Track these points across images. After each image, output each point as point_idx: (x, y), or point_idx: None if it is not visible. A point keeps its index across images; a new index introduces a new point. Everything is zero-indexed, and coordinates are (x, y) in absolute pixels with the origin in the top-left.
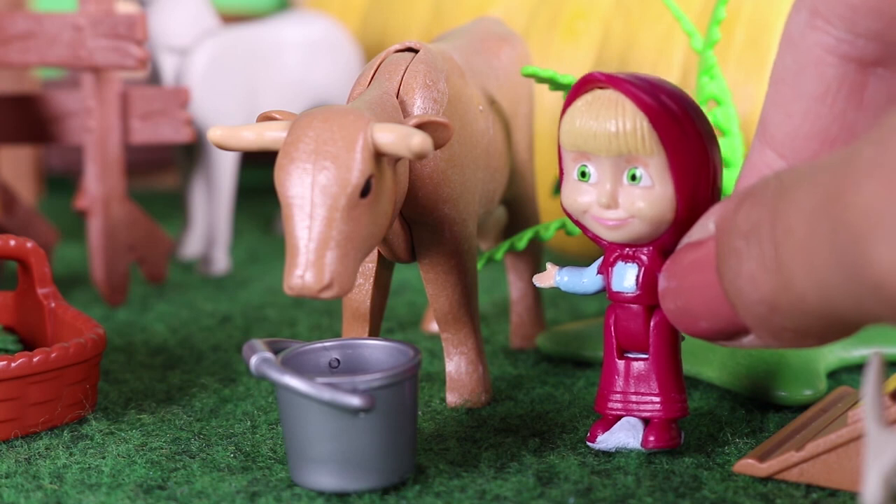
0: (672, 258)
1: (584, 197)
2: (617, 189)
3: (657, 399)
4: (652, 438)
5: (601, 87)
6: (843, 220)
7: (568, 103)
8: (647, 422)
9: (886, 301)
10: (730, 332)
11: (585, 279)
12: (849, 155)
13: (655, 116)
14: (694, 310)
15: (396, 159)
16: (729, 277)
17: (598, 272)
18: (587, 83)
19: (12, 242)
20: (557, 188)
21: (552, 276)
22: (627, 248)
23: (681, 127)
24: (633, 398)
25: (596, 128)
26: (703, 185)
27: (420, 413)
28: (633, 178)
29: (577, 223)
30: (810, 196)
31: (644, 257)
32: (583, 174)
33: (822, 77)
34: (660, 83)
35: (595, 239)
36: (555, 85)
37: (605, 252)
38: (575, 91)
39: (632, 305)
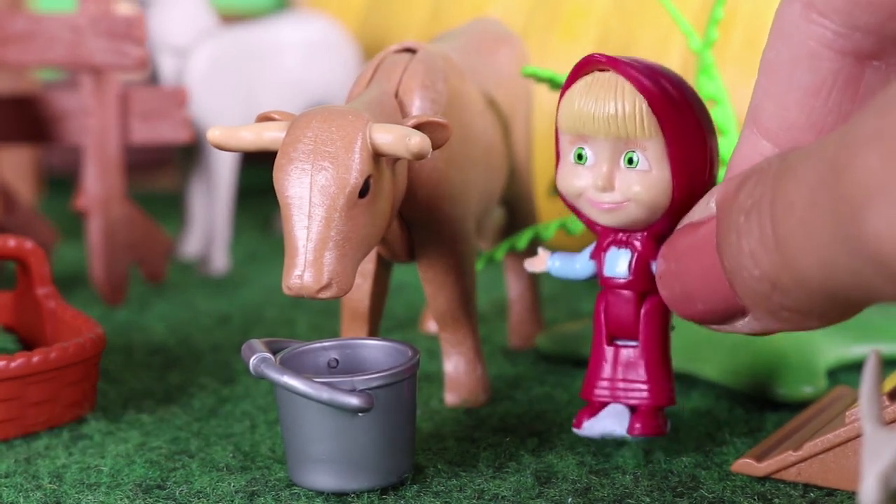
0: (670, 239)
1: (580, 180)
2: (613, 172)
3: (645, 386)
4: (638, 426)
5: (601, 70)
6: (842, 192)
7: (567, 86)
8: (633, 409)
9: (886, 275)
10: (726, 314)
11: (578, 265)
12: (849, 127)
13: (654, 100)
14: (691, 291)
15: (395, 159)
16: (729, 254)
17: (591, 257)
18: (587, 65)
19: (12, 242)
20: (554, 189)
21: (544, 262)
22: (621, 234)
23: (679, 112)
24: (621, 385)
25: (595, 109)
26: (699, 171)
27: (418, 413)
28: (630, 161)
29: (571, 207)
30: (811, 170)
31: (637, 243)
32: (579, 157)
33: (818, 70)
34: (660, 69)
35: (589, 223)
36: (554, 85)
37: (598, 237)
38: (574, 73)
39: (623, 291)
